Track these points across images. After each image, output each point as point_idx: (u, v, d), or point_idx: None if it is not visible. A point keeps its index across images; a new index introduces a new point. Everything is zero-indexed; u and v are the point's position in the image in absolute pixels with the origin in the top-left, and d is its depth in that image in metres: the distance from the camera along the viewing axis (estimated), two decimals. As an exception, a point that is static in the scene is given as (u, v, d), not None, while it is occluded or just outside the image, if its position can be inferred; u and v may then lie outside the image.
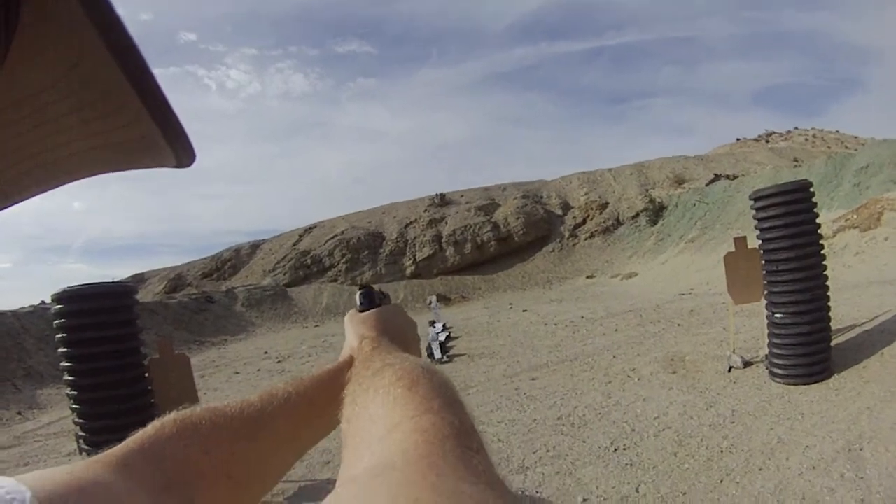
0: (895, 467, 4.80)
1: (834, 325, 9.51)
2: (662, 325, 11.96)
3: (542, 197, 33.91)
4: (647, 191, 33.78)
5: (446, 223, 31.09)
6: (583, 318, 15.23)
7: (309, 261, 30.48)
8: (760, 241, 7.65)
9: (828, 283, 7.61)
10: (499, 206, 32.28)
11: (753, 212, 7.77)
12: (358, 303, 1.11)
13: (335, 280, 29.25)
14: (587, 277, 26.51)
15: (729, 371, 8.21)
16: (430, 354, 12.41)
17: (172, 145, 0.55)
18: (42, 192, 0.60)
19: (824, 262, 7.55)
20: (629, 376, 8.81)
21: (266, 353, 17.79)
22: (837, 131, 64.26)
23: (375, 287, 1.16)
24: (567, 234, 31.53)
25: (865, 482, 4.63)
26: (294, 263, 30.44)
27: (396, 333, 1.03)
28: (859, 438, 5.44)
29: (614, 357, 10.16)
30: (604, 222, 31.79)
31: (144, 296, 27.73)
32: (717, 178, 32.42)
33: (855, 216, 18.93)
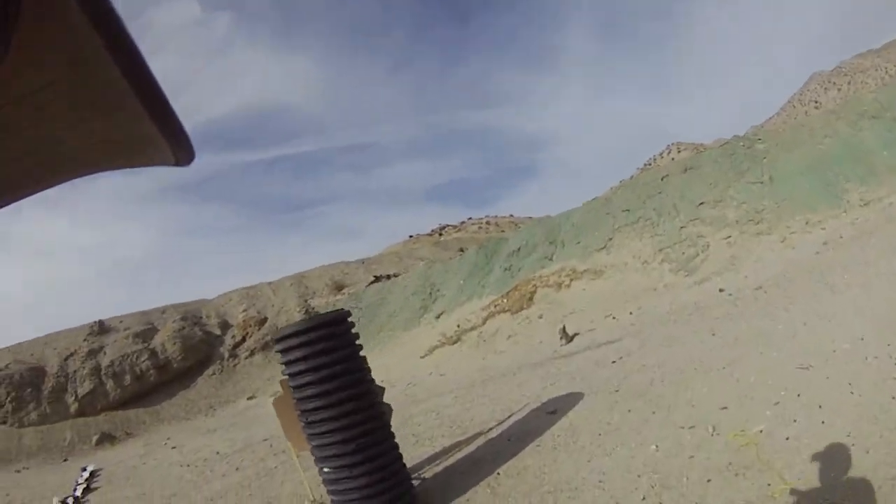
0: None
1: (461, 432, 9.05)
2: (284, 457, 10.75)
3: (201, 317, 31.77)
4: (306, 301, 32.97)
5: (105, 353, 27.99)
6: (217, 453, 14.07)
7: None
8: (293, 388, 6.53)
9: (386, 426, 6.83)
10: (157, 332, 29.77)
11: (279, 355, 6.63)
12: None
13: (4, 422, 24.86)
14: (248, 398, 25.03)
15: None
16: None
17: (171, 144, 0.59)
18: (43, 189, 0.66)
19: (373, 403, 6.65)
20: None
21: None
22: (511, 215, 68.16)
23: None
24: (227, 354, 29.62)
25: None
26: (-42, 406, 25.39)
27: None
28: None
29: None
30: (262, 338, 30.14)
31: None
32: (377, 279, 32.18)
33: (505, 300, 18.85)
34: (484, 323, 18.42)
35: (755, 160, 17.59)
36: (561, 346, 14.05)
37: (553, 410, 8.55)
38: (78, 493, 12.71)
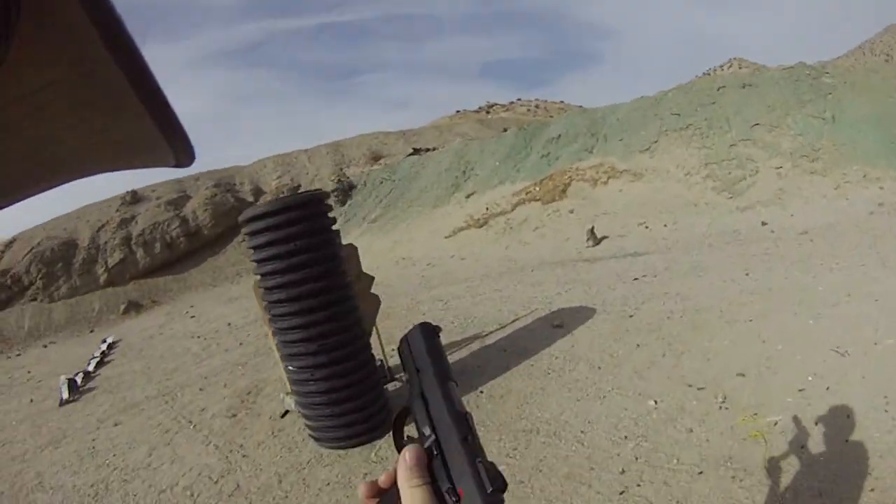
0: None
1: (461, 330, 8.65)
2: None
3: (234, 184, 31.29)
4: (341, 169, 32.14)
5: (136, 223, 27.85)
6: (229, 324, 14.19)
7: (9, 280, 25.83)
8: (259, 277, 5.82)
9: (357, 324, 6.01)
10: (190, 199, 29.50)
11: (246, 238, 5.87)
12: None
13: (35, 299, 25.17)
14: (275, 265, 25.00)
15: (283, 416, 6.92)
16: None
17: (172, 144, 0.57)
18: (43, 190, 0.64)
19: (344, 297, 5.81)
20: (190, 422, 7.56)
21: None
22: (562, 102, 65.69)
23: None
24: None
25: None
26: (-6, 284, 26.15)
27: None
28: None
29: (200, 390, 8.91)
30: None
31: None
32: (415, 151, 31.07)
33: (537, 188, 18.02)
34: (513, 209, 17.68)
35: (819, 93, 15.96)
36: (587, 247, 13.55)
37: (559, 324, 7.99)
38: (90, 368, 12.59)
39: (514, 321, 8.55)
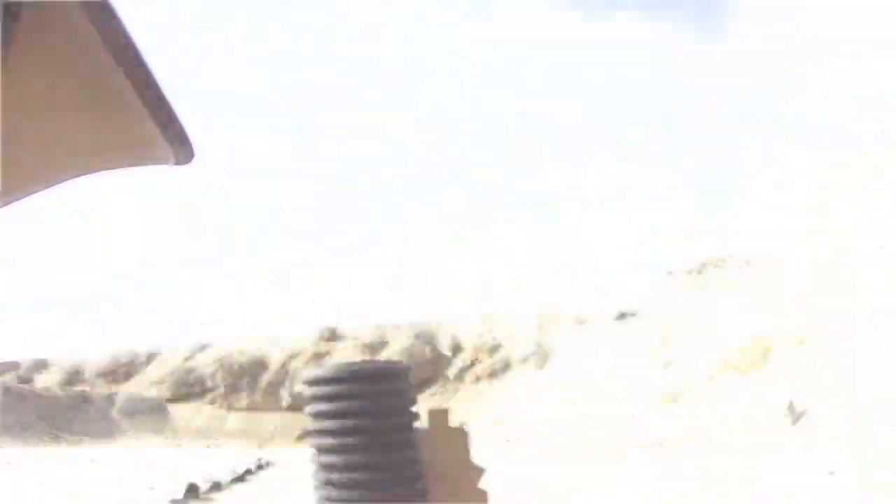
0: None
1: None
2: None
3: (435, 338, 30.42)
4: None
5: (330, 358, 27.66)
6: None
7: (192, 379, 27.31)
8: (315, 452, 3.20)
9: None
10: (386, 345, 28.86)
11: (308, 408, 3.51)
12: None
13: (213, 403, 26.46)
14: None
15: None
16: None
17: (172, 144, 0.57)
18: (44, 189, 0.61)
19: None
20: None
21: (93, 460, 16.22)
22: None
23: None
24: (453, 376, 28.47)
25: None
26: (179, 379, 27.16)
27: None
28: None
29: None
30: (492, 365, 28.56)
31: (43, 381, 26.22)
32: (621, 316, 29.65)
33: None
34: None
35: None
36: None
37: None
38: (224, 480, 12.60)
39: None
